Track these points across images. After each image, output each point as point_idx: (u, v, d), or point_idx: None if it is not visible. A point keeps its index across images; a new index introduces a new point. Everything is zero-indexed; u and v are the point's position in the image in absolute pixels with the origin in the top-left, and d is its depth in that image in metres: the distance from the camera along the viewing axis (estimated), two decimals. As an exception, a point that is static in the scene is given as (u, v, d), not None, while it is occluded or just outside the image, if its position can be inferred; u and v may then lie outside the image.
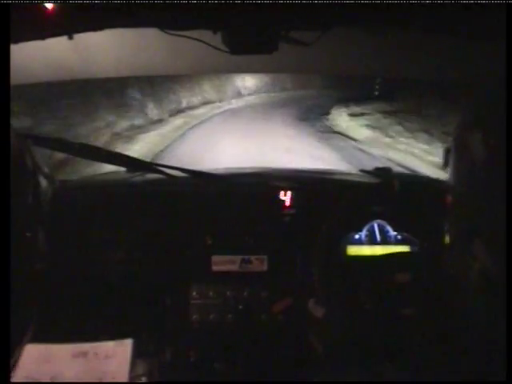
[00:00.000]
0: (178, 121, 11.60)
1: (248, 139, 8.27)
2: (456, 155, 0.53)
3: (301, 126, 10.65)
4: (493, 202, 0.42)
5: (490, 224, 0.43)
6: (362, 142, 8.79)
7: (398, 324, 0.77)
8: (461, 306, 0.55)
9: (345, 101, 14.31)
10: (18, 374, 0.91)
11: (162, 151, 7.90)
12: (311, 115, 12.40)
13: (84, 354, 1.01)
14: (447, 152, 0.55)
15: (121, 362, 1.01)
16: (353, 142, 8.85)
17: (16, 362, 0.86)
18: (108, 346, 1.04)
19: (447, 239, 0.57)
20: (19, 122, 5.45)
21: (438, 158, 6.37)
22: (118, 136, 8.88)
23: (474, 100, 0.50)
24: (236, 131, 9.43)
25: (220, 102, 15.38)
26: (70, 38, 0.85)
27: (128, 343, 1.05)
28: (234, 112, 13.17)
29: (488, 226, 0.44)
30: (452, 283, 0.56)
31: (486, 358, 0.50)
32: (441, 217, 0.60)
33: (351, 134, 9.71)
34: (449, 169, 0.55)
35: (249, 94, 17.60)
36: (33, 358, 0.97)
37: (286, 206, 1.36)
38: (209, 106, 14.31)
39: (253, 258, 1.31)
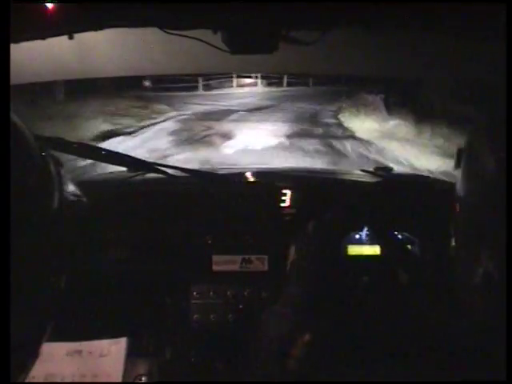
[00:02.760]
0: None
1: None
2: (466, 159, 0.53)
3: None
4: (500, 208, 0.42)
5: (496, 230, 0.43)
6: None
7: (395, 323, 0.77)
8: (462, 307, 0.55)
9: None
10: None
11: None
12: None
13: (78, 352, 1.01)
14: (459, 153, 0.55)
15: (115, 360, 1.01)
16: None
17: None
18: (103, 344, 1.03)
19: (452, 242, 0.57)
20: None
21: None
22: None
23: (488, 108, 0.50)
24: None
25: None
26: (70, 37, 0.85)
27: (123, 341, 1.05)
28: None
29: (494, 232, 0.44)
30: (455, 285, 0.56)
31: (485, 357, 0.50)
32: (444, 218, 0.60)
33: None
34: (459, 172, 0.54)
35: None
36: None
37: (285, 206, 1.36)
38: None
39: (253, 257, 1.31)
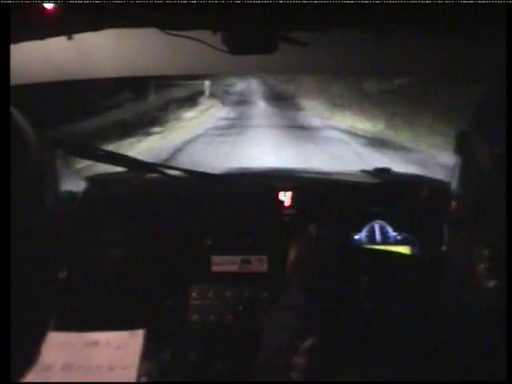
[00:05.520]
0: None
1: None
2: (461, 159, 0.53)
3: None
4: (495, 207, 0.42)
5: (491, 229, 0.43)
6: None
7: (396, 324, 0.77)
8: (460, 306, 0.55)
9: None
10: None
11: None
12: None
13: (96, 343, 1.00)
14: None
15: (132, 352, 1.00)
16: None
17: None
18: (120, 336, 1.02)
19: (448, 242, 0.57)
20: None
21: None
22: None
23: (477, 105, 0.50)
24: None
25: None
26: (70, 38, 0.85)
27: (140, 334, 1.04)
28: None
29: (490, 232, 0.44)
30: (451, 285, 0.56)
31: (485, 357, 0.50)
32: (441, 219, 0.60)
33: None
34: (453, 172, 0.55)
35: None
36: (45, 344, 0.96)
37: (285, 206, 1.36)
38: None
39: (253, 258, 1.31)
